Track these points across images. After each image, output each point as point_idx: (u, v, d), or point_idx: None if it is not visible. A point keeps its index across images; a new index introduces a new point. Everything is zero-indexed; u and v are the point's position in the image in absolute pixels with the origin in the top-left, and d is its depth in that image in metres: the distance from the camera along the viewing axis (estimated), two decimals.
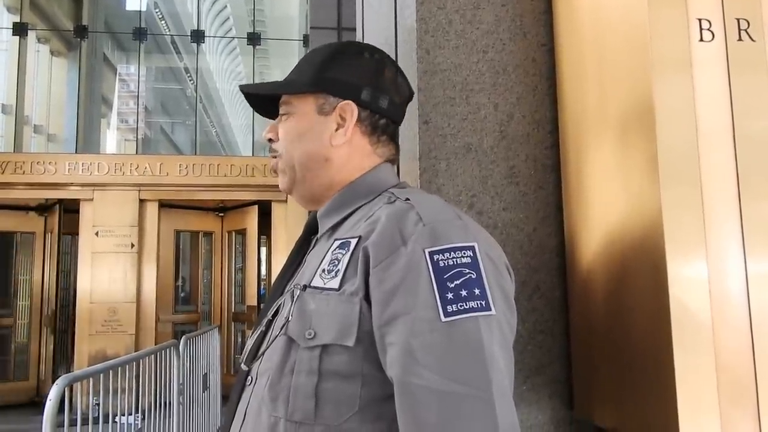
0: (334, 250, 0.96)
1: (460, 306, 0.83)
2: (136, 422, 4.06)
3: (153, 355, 4.40)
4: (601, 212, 1.34)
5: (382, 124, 1.09)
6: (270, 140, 1.12)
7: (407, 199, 0.95)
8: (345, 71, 1.07)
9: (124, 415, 3.80)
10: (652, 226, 1.14)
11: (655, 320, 1.13)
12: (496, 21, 1.58)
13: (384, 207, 0.96)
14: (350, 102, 1.06)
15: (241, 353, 1.17)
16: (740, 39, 1.16)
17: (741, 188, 1.14)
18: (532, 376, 1.51)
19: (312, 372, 0.89)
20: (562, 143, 1.53)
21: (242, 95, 1.16)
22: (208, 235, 9.72)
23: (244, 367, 1.01)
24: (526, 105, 1.57)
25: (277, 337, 0.96)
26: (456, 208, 0.96)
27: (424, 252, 0.86)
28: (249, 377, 1.00)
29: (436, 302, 0.83)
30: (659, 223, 1.11)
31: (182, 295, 9.60)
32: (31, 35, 10.66)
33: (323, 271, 0.95)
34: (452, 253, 0.86)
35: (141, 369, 4.22)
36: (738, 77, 1.15)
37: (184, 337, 4.98)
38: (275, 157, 1.11)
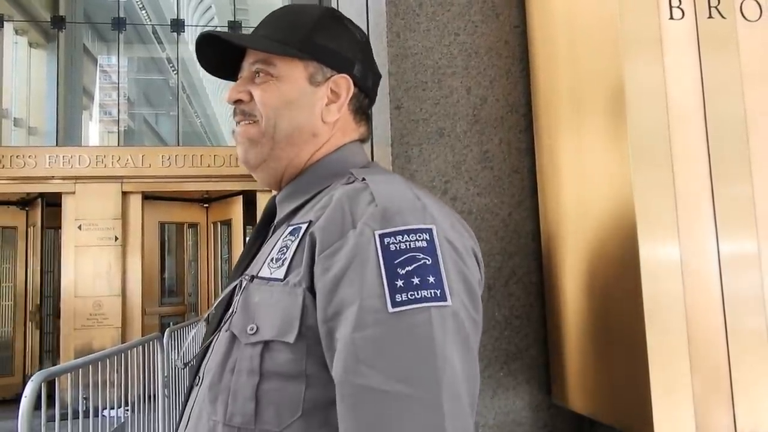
0: (285, 236, 0.87)
1: (411, 295, 0.73)
2: (119, 416, 4.03)
3: (136, 349, 4.37)
4: (575, 195, 1.32)
5: (365, 103, 1.01)
6: (239, 102, 0.96)
7: (363, 179, 0.86)
8: (336, 41, 0.96)
9: (105, 408, 3.76)
10: (624, 209, 1.12)
11: (628, 303, 1.12)
12: (468, 2, 1.55)
13: (339, 188, 0.86)
14: (346, 76, 0.95)
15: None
16: (710, 16, 1.14)
17: (713, 168, 1.12)
18: (509, 361, 1.49)
19: (253, 371, 0.80)
20: (536, 126, 1.51)
21: (220, 77, 1.02)
22: (193, 226, 9.67)
23: (180, 364, 0.92)
24: (499, 88, 1.55)
25: (221, 332, 0.87)
26: (419, 190, 0.87)
27: (374, 234, 0.76)
28: (197, 376, 0.91)
29: (384, 291, 0.74)
30: (631, 206, 1.10)
31: (168, 287, 9.54)
32: (8, 27, 10.47)
33: (272, 260, 0.86)
34: (406, 236, 0.76)
35: (124, 362, 4.19)
36: (708, 56, 1.13)
37: (167, 329, 4.95)
38: (254, 122, 0.94)
